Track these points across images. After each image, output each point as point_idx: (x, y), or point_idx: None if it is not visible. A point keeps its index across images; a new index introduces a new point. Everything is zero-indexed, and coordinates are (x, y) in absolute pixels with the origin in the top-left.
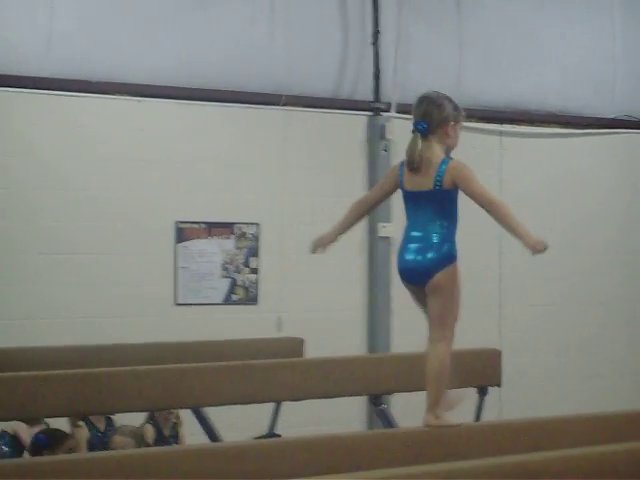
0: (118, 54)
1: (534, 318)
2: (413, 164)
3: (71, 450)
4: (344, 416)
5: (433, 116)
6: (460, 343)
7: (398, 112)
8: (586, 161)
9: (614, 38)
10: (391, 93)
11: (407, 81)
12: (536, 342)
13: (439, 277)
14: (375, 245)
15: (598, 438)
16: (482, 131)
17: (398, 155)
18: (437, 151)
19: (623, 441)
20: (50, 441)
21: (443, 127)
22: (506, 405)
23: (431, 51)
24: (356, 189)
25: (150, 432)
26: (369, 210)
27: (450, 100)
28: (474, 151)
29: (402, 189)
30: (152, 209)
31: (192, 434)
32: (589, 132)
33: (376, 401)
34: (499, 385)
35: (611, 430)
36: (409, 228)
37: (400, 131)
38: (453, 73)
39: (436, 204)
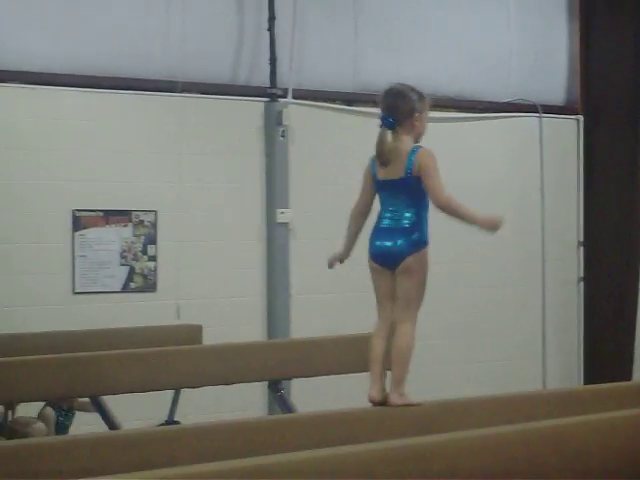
0: (11, 42)
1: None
2: (383, 158)
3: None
4: (244, 403)
5: (399, 109)
6: (348, 329)
7: (295, 98)
8: (482, 145)
9: (509, 22)
10: (287, 79)
11: (303, 67)
12: (427, 326)
13: (409, 261)
14: (273, 231)
15: (494, 420)
16: (378, 116)
17: (295, 141)
18: (406, 141)
19: (519, 422)
20: None
21: (410, 118)
22: None
23: (327, 36)
24: (254, 176)
25: (51, 417)
26: (366, 215)
27: (414, 90)
28: (372, 137)
29: (375, 179)
30: (49, 197)
31: (90, 423)
32: (485, 116)
33: (274, 387)
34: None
35: (509, 412)
36: (382, 214)
37: (297, 117)
38: (349, 58)
39: (407, 191)
